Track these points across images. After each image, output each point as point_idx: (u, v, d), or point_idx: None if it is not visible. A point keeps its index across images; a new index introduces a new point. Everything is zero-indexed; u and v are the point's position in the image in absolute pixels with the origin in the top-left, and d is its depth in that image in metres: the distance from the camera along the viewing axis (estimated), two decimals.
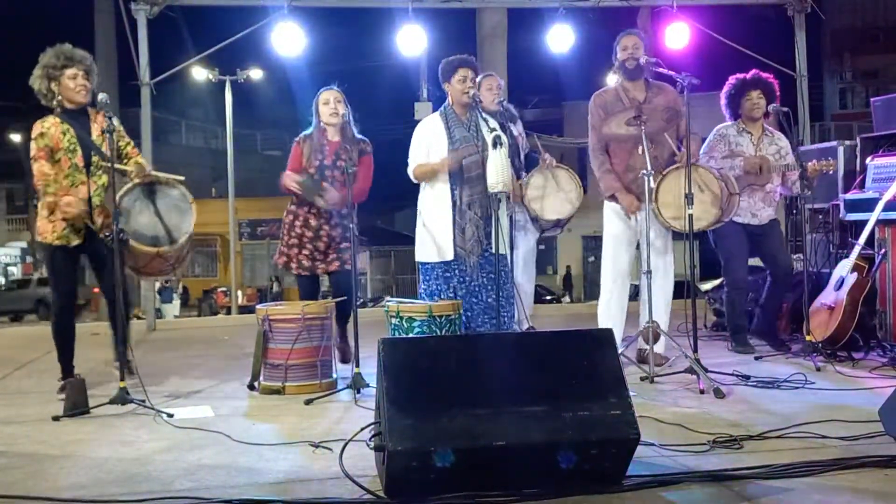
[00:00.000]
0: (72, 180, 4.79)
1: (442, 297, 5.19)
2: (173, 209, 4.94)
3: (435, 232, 5.24)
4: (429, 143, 5.29)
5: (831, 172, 6.16)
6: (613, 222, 5.59)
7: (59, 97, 4.84)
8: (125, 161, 4.98)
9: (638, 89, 5.49)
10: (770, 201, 5.94)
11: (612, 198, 5.54)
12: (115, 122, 4.95)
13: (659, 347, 5.35)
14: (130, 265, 4.93)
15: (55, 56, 4.82)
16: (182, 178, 5.00)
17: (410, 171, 5.33)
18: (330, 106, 5.24)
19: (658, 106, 5.43)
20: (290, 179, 5.17)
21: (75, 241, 4.82)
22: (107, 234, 4.68)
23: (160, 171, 5.06)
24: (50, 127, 4.80)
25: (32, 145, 4.78)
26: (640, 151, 5.11)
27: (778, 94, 5.99)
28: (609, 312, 5.59)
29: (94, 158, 4.86)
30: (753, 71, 6.04)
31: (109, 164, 4.63)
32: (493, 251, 5.14)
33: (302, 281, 5.42)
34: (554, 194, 5.97)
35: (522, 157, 6.19)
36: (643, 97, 5.44)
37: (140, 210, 4.88)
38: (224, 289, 28.07)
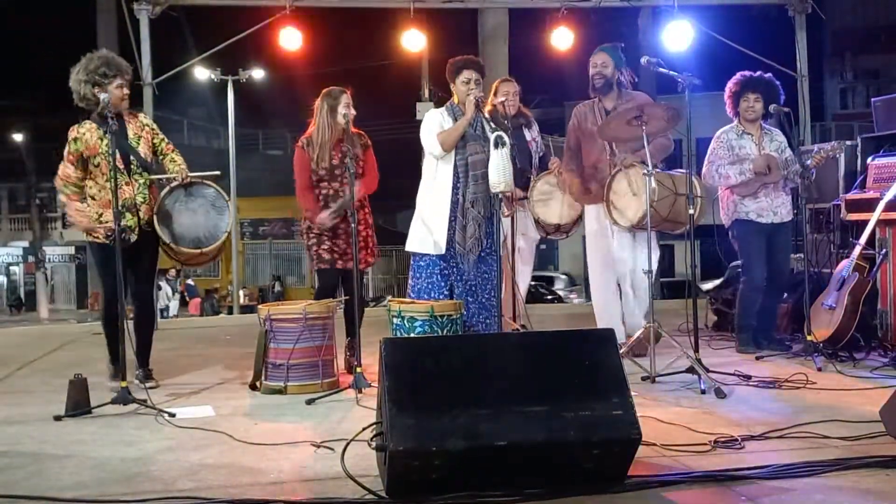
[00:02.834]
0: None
1: (434, 294, 5.20)
2: (211, 208, 5.06)
3: (433, 226, 5.25)
4: (441, 127, 5.29)
5: (836, 156, 6.17)
6: (591, 219, 5.91)
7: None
8: (162, 158, 5.15)
9: (610, 100, 5.82)
10: (786, 193, 6.01)
11: (587, 191, 5.88)
12: (149, 119, 5.21)
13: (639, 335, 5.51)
14: (174, 258, 5.17)
15: (105, 65, 4.92)
16: (217, 172, 5.16)
17: (435, 145, 5.22)
18: (350, 111, 5.31)
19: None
20: (327, 219, 5.26)
21: (132, 239, 4.94)
22: (108, 233, 4.70)
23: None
24: (85, 133, 4.94)
25: (67, 147, 4.94)
26: (605, 158, 5.71)
27: (782, 94, 6.00)
28: (607, 308, 5.83)
29: (133, 159, 4.99)
30: (759, 72, 6.06)
31: (141, 167, 4.97)
32: (492, 251, 5.16)
33: (321, 273, 5.46)
34: (558, 199, 6.09)
35: (536, 160, 6.31)
36: (612, 106, 5.78)
37: (180, 211, 5.01)
38: (191, 281, 28.16)
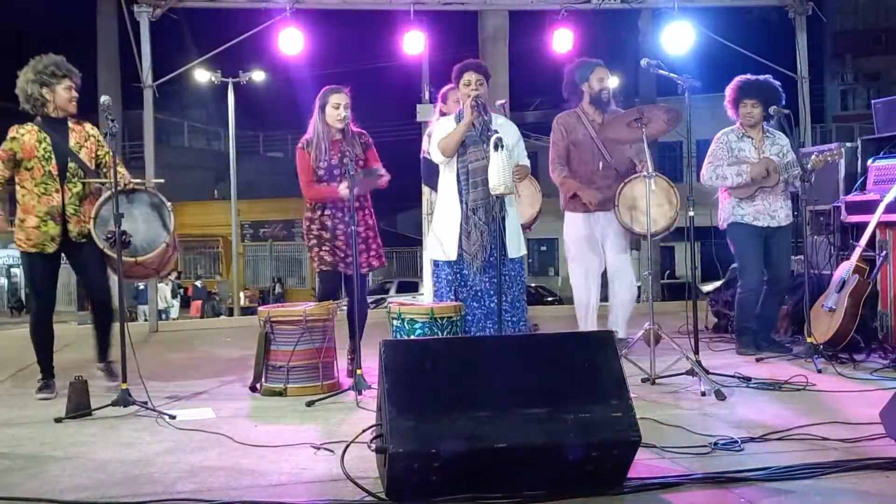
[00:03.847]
0: (44, 188, 4.87)
1: (442, 300, 5.20)
2: (152, 216, 4.97)
3: (441, 233, 5.26)
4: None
5: (836, 161, 6.18)
6: (578, 226, 6.05)
7: (49, 104, 4.90)
8: (104, 171, 5.05)
9: (597, 113, 6.05)
10: (786, 197, 6.00)
11: (574, 198, 5.99)
12: (95, 130, 5.11)
13: (622, 332, 5.80)
14: (112, 268, 4.97)
15: (55, 65, 4.91)
16: (160, 180, 5.07)
17: (436, 152, 5.23)
18: (339, 111, 5.27)
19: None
20: (343, 191, 5.08)
21: (51, 249, 4.90)
22: (108, 235, 4.70)
23: (159, 175, 5.12)
24: (25, 134, 4.90)
25: (3, 144, 4.88)
26: (600, 167, 5.95)
27: (782, 95, 5.98)
28: (588, 314, 6.00)
29: (71, 166, 4.94)
30: (755, 77, 6.03)
31: (91, 172, 4.88)
32: (498, 255, 5.16)
33: (323, 275, 5.41)
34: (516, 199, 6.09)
35: None
36: (601, 119, 5.96)
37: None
38: (199, 283, 28.29)
